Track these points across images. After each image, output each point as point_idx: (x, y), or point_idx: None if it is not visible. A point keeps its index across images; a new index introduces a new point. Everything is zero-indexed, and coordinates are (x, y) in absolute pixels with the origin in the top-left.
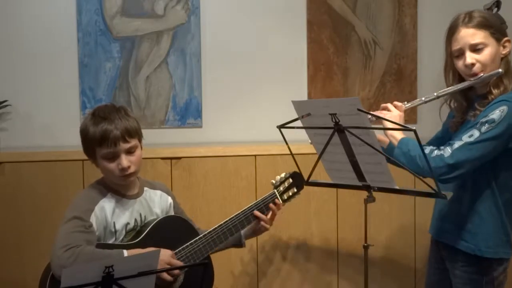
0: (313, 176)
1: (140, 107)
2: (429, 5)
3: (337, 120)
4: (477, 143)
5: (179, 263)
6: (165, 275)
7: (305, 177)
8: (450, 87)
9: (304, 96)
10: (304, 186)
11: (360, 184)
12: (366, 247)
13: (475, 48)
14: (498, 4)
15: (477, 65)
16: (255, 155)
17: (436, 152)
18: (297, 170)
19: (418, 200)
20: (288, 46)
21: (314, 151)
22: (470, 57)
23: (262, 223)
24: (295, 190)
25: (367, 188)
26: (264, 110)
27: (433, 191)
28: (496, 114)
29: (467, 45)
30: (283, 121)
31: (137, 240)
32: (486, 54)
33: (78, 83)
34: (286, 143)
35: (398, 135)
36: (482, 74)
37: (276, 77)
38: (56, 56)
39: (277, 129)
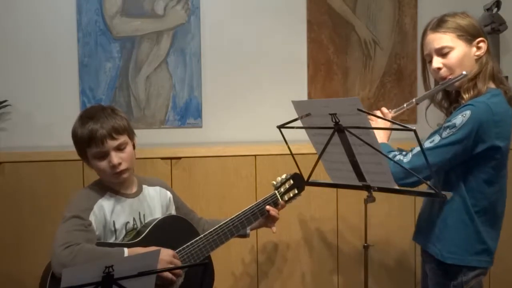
0: (313, 176)
1: (140, 107)
2: (429, 5)
3: (337, 120)
4: (436, 149)
5: (181, 263)
6: (167, 274)
7: (305, 177)
8: (425, 93)
9: (304, 96)
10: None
11: (360, 184)
12: (366, 247)
13: (441, 53)
14: (498, 4)
15: (444, 69)
16: (255, 155)
17: (398, 157)
18: (298, 171)
19: (418, 200)
20: (288, 46)
21: (314, 151)
22: (436, 61)
23: (269, 223)
24: (296, 191)
25: (367, 188)
26: (264, 110)
27: (433, 191)
28: (458, 119)
29: (433, 50)
30: (283, 121)
31: (137, 239)
32: (452, 58)
33: (78, 83)
34: (286, 143)
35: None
36: (450, 77)
37: (276, 77)
38: (56, 56)
39: (277, 129)
